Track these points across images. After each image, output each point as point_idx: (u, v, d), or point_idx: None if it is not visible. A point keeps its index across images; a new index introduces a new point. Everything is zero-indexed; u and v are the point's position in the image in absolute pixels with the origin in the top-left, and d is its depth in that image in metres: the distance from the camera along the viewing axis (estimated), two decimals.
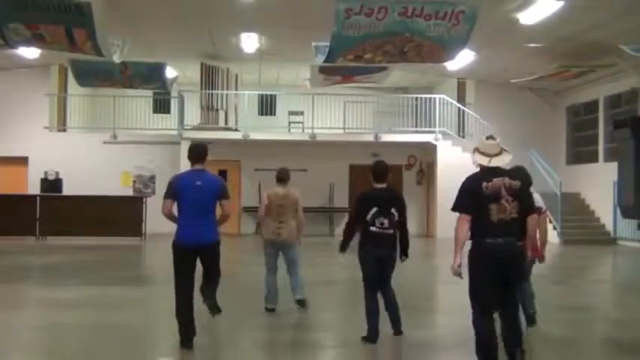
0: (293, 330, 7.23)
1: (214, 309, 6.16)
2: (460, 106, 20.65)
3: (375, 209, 6.20)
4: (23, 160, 19.93)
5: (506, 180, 5.03)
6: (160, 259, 14.40)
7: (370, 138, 20.04)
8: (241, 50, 18.00)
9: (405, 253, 6.41)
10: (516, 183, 5.06)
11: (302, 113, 21.05)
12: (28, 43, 12.14)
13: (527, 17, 13.38)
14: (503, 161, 5.19)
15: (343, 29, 11.03)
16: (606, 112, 19.05)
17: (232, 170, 20.72)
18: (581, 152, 20.39)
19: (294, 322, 7.48)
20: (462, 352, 5.88)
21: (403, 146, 20.31)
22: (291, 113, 21.53)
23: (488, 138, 5.40)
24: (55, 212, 17.49)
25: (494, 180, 5.01)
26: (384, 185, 6.38)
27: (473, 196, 5.01)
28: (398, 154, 19.90)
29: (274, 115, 23.05)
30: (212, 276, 6.08)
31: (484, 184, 5.00)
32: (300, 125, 20.99)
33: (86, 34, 11.15)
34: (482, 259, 4.98)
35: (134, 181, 20.14)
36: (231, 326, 7.01)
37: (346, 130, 20.42)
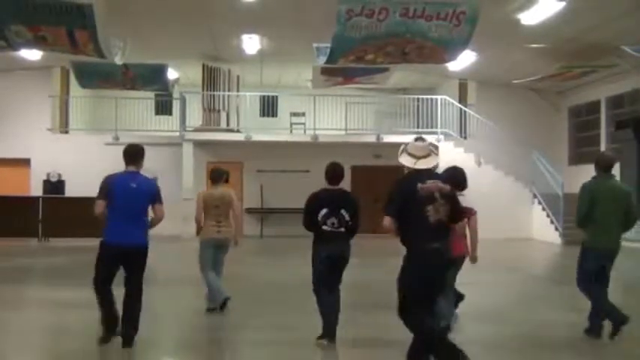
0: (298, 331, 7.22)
1: (129, 340, 5.92)
2: (462, 107, 20.65)
3: (325, 210, 6.18)
4: (25, 162, 19.95)
5: (439, 183, 4.98)
6: (161, 260, 14.41)
7: (372, 139, 20.05)
8: (243, 51, 18.01)
9: None
10: (446, 186, 5.00)
11: (304, 114, 21.06)
12: (29, 44, 12.15)
13: (529, 18, 13.38)
14: (429, 164, 5.11)
15: (344, 30, 11.04)
16: (608, 113, 19.04)
17: (234, 171, 20.68)
18: (583, 153, 20.36)
19: (294, 325, 7.48)
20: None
21: None
22: (293, 114, 21.54)
23: (417, 139, 5.36)
24: (57, 214, 17.51)
25: (428, 182, 4.94)
26: (336, 187, 6.35)
27: (405, 200, 4.93)
28: (398, 156, 19.88)
29: (276, 116, 23.07)
30: (134, 284, 5.98)
31: (419, 185, 4.91)
32: (302, 126, 21.01)
33: (88, 35, 11.15)
34: (422, 262, 4.89)
35: None
36: (231, 325, 7.01)
37: (348, 131, 20.43)
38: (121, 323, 5.93)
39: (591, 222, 6.43)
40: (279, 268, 12.60)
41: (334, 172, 6.36)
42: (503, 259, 15.05)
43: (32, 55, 16.48)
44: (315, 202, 6.30)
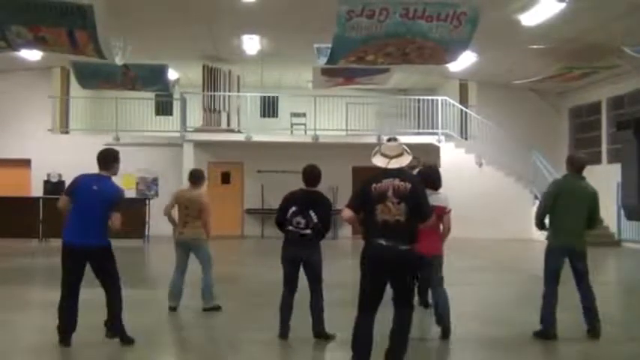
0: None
1: (119, 337, 6.05)
2: (462, 107, 20.65)
3: (294, 208, 6.24)
4: (26, 163, 19.95)
5: (396, 181, 5.02)
6: (163, 261, 14.39)
7: (373, 139, 19.98)
8: (243, 52, 18.01)
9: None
10: (405, 185, 5.02)
11: (304, 115, 21.07)
12: (30, 45, 12.14)
13: (530, 19, 13.37)
14: (402, 163, 5.18)
15: (345, 31, 11.03)
16: (609, 114, 19.03)
17: (235, 172, 20.73)
18: (584, 154, 20.33)
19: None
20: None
21: None
22: (294, 115, 21.55)
23: (390, 139, 5.47)
24: (57, 214, 17.42)
25: (384, 181, 5.04)
26: (312, 189, 6.41)
27: (363, 197, 5.10)
28: (372, 157, 19.85)
29: (276, 116, 23.07)
30: (109, 283, 6.03)
31: (373, 185, 5.05)
32: (303, 127, 21.02)
33: (88, 36, 11.15)
34: (368, 258, 5.03)
35: (137, 183, 20.15)
36: (231, 325, 7.00)
37: (348, 132, 20.43)
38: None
39: (556, 220, 6.53)
40: (279, 269, 12.57)
41: (311, 174, 6.46)
42: (504, 260, 15.06)
43: (32, 55, 16.47)
44: (288, 199, 6.39)
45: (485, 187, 19.03)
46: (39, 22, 10.86)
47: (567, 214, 6.48)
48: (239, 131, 20.18)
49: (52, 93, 20.32)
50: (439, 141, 19.53)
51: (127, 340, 6.09)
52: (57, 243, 17.87)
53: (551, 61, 16.57)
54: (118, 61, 14.52)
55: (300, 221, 6.21)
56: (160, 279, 11.38)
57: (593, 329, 6.49)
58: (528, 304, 9.07)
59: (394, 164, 5.15)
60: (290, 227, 6.25)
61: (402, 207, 4.97)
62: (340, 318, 6.48)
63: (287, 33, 15.97)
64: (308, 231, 6.22)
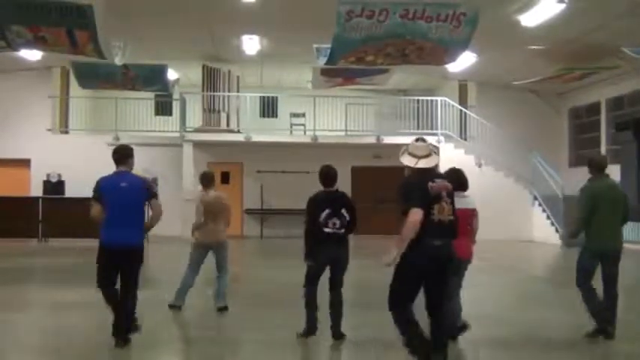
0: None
1: (125, 340, 5.97)
2: (462, 108, 20.65)
3: (327, 211, 6.27)
4: (25, 163, 19.95)
5: (445, 182, 5.15)
6: (162, 261, 14.38)
7: (372, 140, 20.05)
8: (243, 52, 18.02)
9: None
10: (449, 185, 5.18)
11: (304, 115, 21.06)
12: (30, 45, 12.16)
13: (529, 19, 13.37)
14: (430, 164, 5.21)
15: (344, 31, 11.04)
16: (608, 115, 19.04)
17: (234, 172, 20.73)
18: (583, 154, 20.34)
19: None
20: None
21: None
22: (293, 115, 21.54)
23: (417, 140, 5.42)
24: (57, 214, 17.50)
25: (437, 181, 5.09)
26: (332, 189, 6.47)
27: (422, 196, 5.01)
28: (399, 156, 19.90)
29: (276, 117, 23.07)
30: (132, 284, 6.03)
31: (430, 184, 5.04)
32: (302, 127, 21.01)
33: (88, 36, 11.16)
34: (426, 258, 5.00)
35: None
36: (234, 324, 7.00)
37: (348, 132, 20.43)
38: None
39: (592, 223, 6.47)
40: (279, 269, 12.59)
41: (328, 174, 6.51)
42: (504, 261, 15.06)
43: (32, 55, 16.47)
44: (316, 204, 6.38)
45: (484, 187, 18.95)
46: (39, 22, 10.87)
47: (607, 216, 6.47)
48: (238, 131, 20.18)
49: (51, 93, 20.31)
50: (438, 142, 19.53)
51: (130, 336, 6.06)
52: (56, 243, 17.91)
53: (551, 61, 16.58)
54: (118, 61, 14.54)
55: (336, 222, 6.28)
56: (160, 279, 11.39)
57: (605, 331, 6.47)
58: (528, 304, 9.10)
59: (422, 164, 5.17)
60: (327, 229, 6.27)
61: (452, 207, 5.08)
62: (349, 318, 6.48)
63: (287, 33, 15.98)
64: (342, 230, 6.32)
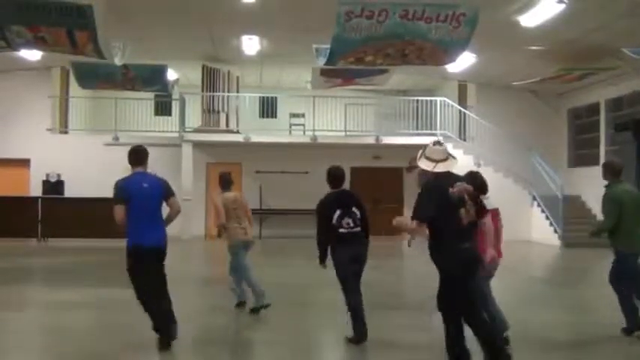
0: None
1: (168, 342, 5.98)
2: (461, 108, 20.66)
3: (339, 211, 6.28)
4: (25, 162, 19.94)
5: (466, 185, 5.10)
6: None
7: (371, 140, 20.05)
8: (242, 52, 18.02)
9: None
10: (471, 188, 5.15)
11: (303, 115, 21.07)
12: (29, 45, 12.15)
13: (529, 20, 13.37)
14: (448, 167, 5.20)
15: (344, 32, 11.04)
16: (608, 115, 19.05)
17: (234, 172, 20.63)
18: (582, 155, 20.37)
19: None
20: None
21: (404, 149, 20.27)
22: (292, 115, 21.55)
23: (435, 144, 5.40)
24: (56, 214, 17.51)
25: (457, 185, 5.06)
26: (340, 189, 6.50)
27: (441, 202, 5.01)
28: (399, 156, 19.91)
29: (275, 117, 23.07)
30: (162, 282, 6.06)
31: (451, 190, 5.03)
32: (301, 127, 21.01)
33: (88, 36, 11.16)
34: (461, 263, 5.02)
35: None
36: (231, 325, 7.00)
37: (347, 133, 20.44)
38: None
39: (621, 228, 6.61)
40: (278, 269, 12.59)
41: (335, 175, 6.53)
42: (503, 261, 15.05)
43: (32, 55, 16.47)
44: (327, 206, 6.38)
45: None
46: (39, 22, 10.87)
47: (632, 221, 6.60)
48: (238, 132, 20.18)
49: (51, 93, 20.30)
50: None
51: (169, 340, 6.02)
52: (56, 243, 17.91)
53: (551, 62, 16.58)
54: (118, 61, 14.54)
55: (349, 221, 6.31)
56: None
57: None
58: (528, 305, 9.11)
59: (440, 168, 5.16)
60: (341, 230, 6.28)
61: (474, 210, 5.08)
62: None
63: (286, 34, 15.98)
64: (358, 229, 6.33)
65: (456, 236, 4.99)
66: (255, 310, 7.65)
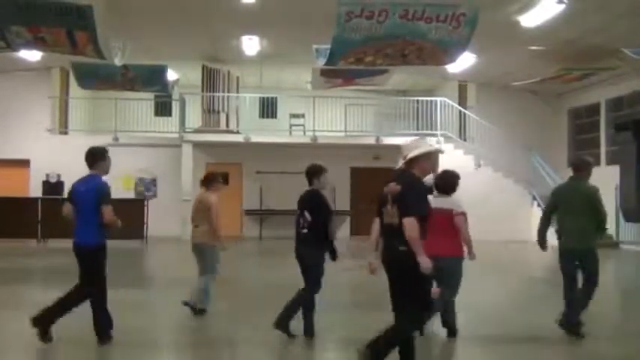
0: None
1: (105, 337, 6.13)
2: (461, 108, 20.66)
3: (299, 211, 6.44)
4: (25, 163, 19.94)
5: (393, 185, 4.95)
6: (161, 261, 14.39)
7: (371, 141, 20.06)
8: (242, 53, 18.02)
9: (331, 256, 6.47)
10: (397, 188, 4.92)
11: (303, 116, 21.07)
12: (29, 45, 12.14)
13: (529, 20, 13.38)
14: (402, 164, 5.25)
15: (344, 32, 11.04)
16: (608, 115, 19.05)
17: (233, 173, 20.71)
18: (583, 155, 20.35)
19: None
20: None
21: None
22: (292, 116, 21.54)
23: (413, 142, 5.45)
24: (56, 215, 17.37)
25: (390, 185, 4.98)
26: (309, 188, 6.59)
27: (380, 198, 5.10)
28: (399, 157, 19.90)
29: (275, 117, 23.07)
30: (79, 284, 6.20)
31: (385, 187, 5.06)
32: (302, 128, 21.01)
33: (87, 36, 11.15)
34: (382, 259, 5.09)
35: (136, 184, 20.15)
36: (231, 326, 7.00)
37: (347, 133, 20.44)
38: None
39: (557, 223, 6.94)
40: (278, 270, 12.59)
41: (306, 173, 6.70)
42: (502, 261, 15.06)
43: (32, 55, 16.47)
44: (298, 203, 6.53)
45: (483, 188, 19.01)
46: (39, 22, 10.86)
47: (564, 218, 6.82)
48: (238, 132, 20.18)
49: (51, 93, 20.31)
50: (438, 142, 19.53)
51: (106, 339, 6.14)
52: (55, 243, 17.90)
53: (551, 62, 16.58)
54: (118, 61, 14.52)
55: (301, 222, 6.41)
56: (159, 280, 11.40)
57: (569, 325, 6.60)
58: (527, 305, 9.11)
59: (399, 164, 5.38)
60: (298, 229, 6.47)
61: (394, 211, 4.92)
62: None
63: (286, 34, 15.99)
64: (305, 230, 6.37)
65: (383, 234, 5.03)
66: (187, 304, 7.51)
